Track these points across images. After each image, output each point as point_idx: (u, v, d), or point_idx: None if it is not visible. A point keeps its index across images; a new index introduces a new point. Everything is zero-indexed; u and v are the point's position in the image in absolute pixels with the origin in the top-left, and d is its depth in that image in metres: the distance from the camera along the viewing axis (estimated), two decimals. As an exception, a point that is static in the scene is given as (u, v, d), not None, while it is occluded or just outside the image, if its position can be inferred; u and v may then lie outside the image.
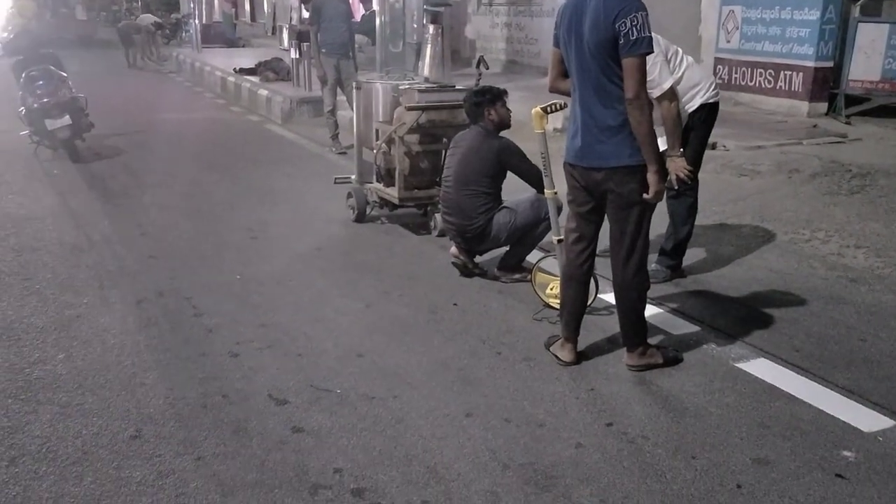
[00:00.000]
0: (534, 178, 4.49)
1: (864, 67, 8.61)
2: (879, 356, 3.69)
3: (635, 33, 3.04)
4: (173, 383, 3.42)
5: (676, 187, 4.39)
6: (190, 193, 6.91)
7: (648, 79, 3.86)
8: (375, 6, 12.47)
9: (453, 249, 4.75)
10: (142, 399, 3.28)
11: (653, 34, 3.29)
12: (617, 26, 3.05)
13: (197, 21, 18.77)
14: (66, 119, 7.88)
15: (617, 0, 3.07)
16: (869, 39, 8.53)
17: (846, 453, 2.89)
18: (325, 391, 3.35)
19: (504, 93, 4.77)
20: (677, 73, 4.23)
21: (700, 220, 4.78)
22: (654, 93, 3.95)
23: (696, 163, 4.42)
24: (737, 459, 2.86)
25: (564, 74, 3.45)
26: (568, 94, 3.50)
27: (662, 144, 4.21)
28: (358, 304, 4.35)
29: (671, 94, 4.01)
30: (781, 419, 3.12)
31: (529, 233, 4.62)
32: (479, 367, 3.58)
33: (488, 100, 4.66)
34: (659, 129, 4.15)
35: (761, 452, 2.90)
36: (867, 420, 3.11)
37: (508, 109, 4.74)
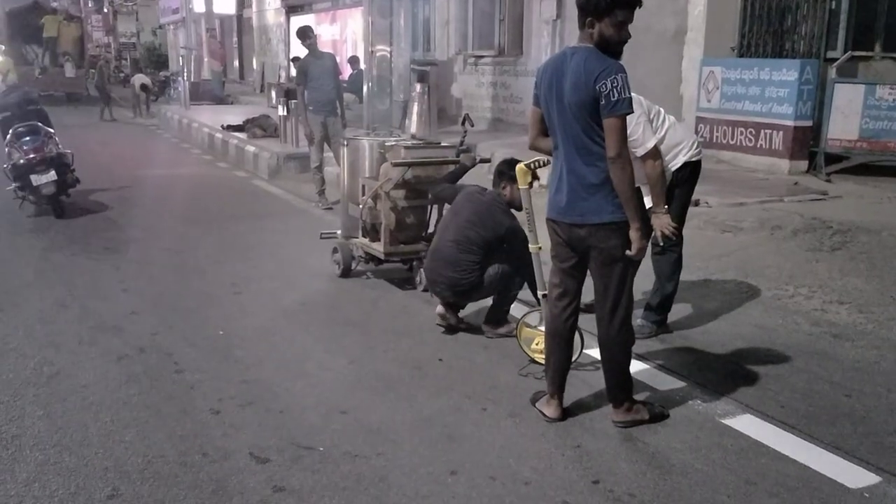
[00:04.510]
0: (522, 267, 4.44)
1: (842, 127, 8.78)
2: (864, 412, 3.69)
3: (616, 94, 3.09)
4: (153, 441, 3.36)
5: (662, 244, 4.44)
6: (174, 249, 6.89)
7: (632, 139, 3.93)
8: (363, 65, 12.68)
9: (439, 309, 4.72)
10: (120, 457, 3.22)
11: (636, 95, 3.34)
12: (598, 87, 3.11)
13: (185, 79, 18.97)
14: (52, 175, 7.90)
15: (597, 62, 3.14)
16: (846, 100, 8.72)
17: (834, 511, 2.87)
18: (308, 449, 3.30)
19: None
20: (660, 132, 4.30)
21: (684, 275, 4.80)
22: (639, 152, 4.00)
23: (680, 219, 4.47)
24: (724, 518, 2.82)
25: (544, 133, 3.49)
26: (548, 153, 3.55)
27: (648, 202, 4.26)
28: (342, 360, 4.32)
29: (655, 153, 4.07)
30: (768, 476, 3.10)
31: (517, 275, 4.60)
32: (464, 424, 3.54)
33: (509, 177, 4.52)
34: (644, 188, 4.22)
35: (749, 510, 2.87)
36: (853, 476, 3.10)
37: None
